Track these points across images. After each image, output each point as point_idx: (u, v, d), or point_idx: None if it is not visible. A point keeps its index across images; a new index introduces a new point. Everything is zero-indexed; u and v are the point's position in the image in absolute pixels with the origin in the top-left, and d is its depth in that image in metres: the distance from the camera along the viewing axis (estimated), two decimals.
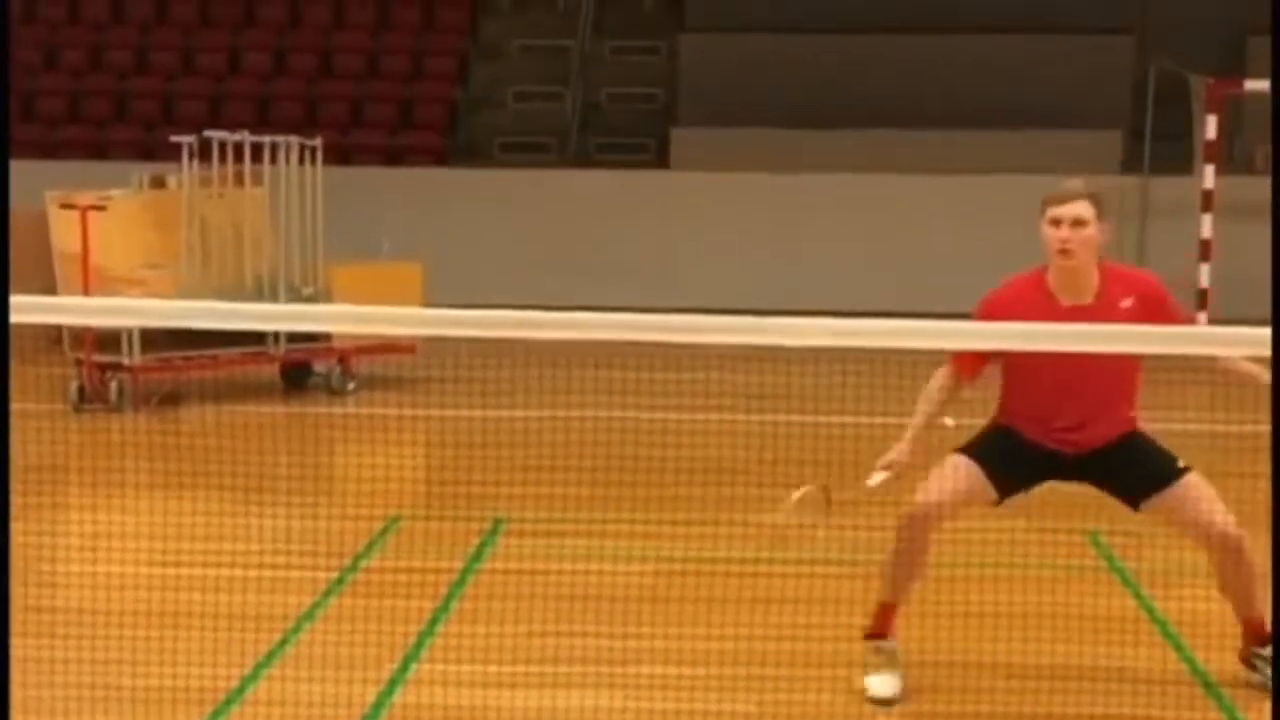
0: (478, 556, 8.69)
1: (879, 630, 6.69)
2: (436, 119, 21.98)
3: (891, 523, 6.96)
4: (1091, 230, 6.45)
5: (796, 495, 6.60)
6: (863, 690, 6.56)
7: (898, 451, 6.57)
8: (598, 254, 19.11)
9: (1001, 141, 19.54)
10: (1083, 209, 6.44)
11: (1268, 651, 6.61)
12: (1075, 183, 6.57)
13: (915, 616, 7.25)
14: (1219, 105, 16.55)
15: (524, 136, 21.94)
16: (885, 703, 6.49)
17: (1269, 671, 6.57)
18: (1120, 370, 6.48)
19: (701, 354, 6.07)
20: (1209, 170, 16.51)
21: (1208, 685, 6.71)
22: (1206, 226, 16.54)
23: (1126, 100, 20.30)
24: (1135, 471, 6.59)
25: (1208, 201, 16.49)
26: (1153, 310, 6.45)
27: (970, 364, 6.57)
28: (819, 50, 20.92)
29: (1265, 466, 9.16)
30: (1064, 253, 6.43)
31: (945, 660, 6.93)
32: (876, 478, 6.54)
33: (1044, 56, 20.69)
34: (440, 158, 21.33)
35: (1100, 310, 6.40)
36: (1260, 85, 16.69)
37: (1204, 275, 16.47)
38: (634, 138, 21.90)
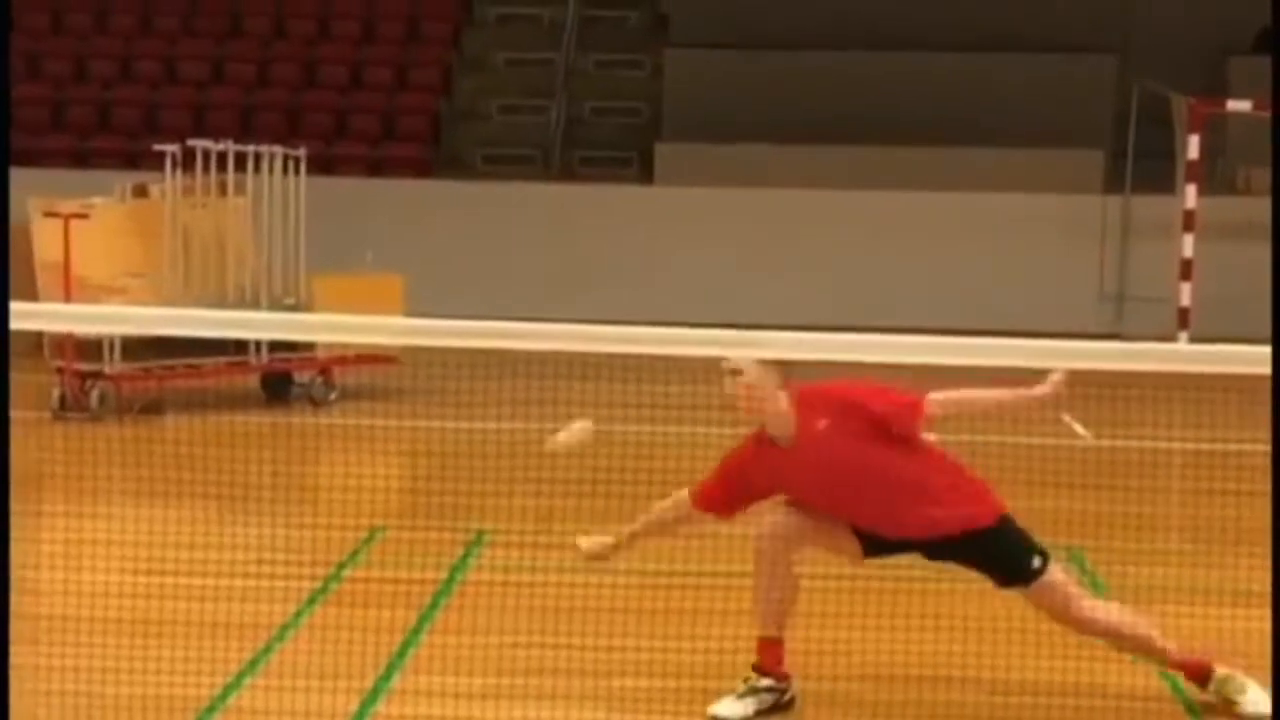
0: (460, 567, 8.69)
1: (765, 666, 6.64)
2: (420, 131, 21.96)
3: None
4: (751, 375, 6.38)
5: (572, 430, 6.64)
6: (842, 701, 6.58)
7: (602, 544, 6.78)
8: (580, 267, 19.09)
9: (985, 159, 19.57)
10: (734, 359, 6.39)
11: (1222, 673, 6.63)
12: None
13: (900, 630, 7.26)
14: (1201, 125, 16.59)
15: (508, 149, 21.92)
16: None
17: (1233, 694, 6.58)
18: (890, 474, 6.41)
19: (687, 366, 6.06)
20: (1191, 190, 16.54)
21: (1189, 705, 6.72)
22: (1188, 246, 16.57)
23: (1109, 119, 20.33)
24: (984, 569, 6.65)
25: (1189, 221, 16.52)
26: (850, 417, 6.43)
27: (705, 496, 6.66)
28: (803, 66, 20.95)
29: (1248, 484, 9.27)
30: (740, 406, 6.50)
31: (929, 675, 6.93)
32: (586, 543, 6.81)
33: (1027, 75, 20.74)
34: (423, 169, 21.30)
35: (805, 443, 6.42)
36: (1242, 105, 16.75)
37: (1185, 294, 16.50)
38: (618, 152, 21.89)
